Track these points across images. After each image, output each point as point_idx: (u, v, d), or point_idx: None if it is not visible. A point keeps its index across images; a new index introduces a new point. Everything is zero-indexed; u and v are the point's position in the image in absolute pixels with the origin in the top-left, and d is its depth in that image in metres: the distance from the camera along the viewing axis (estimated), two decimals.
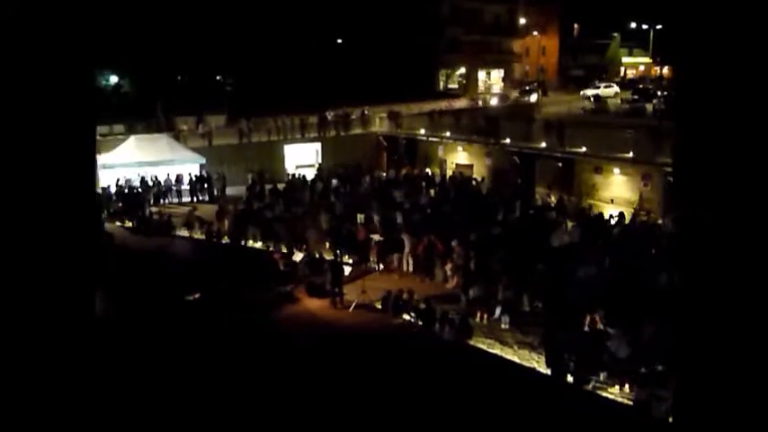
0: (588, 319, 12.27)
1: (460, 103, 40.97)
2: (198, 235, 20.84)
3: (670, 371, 9.11)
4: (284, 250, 18.78)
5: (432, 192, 24.08)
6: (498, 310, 14.12)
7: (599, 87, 49.24)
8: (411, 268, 17.49)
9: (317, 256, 17.24)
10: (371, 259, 18.01)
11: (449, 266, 16.42)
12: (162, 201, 25.19)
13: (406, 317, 14.32)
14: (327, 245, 18.90)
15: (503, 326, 13.79)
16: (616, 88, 49.34)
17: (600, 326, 12.08)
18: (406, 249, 17.58)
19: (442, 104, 37.95)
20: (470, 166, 27.98)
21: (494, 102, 44.26)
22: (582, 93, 48.87)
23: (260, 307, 14.71)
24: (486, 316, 14.11)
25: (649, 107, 38.84)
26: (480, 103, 44.04)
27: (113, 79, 42.57)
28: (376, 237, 17.97)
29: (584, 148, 23.70)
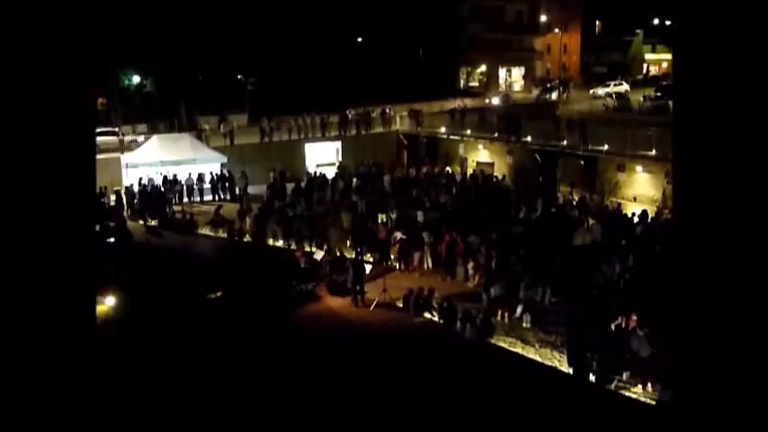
0: (621, 320, 12.20)
1: (472, 102, 40.78)
2: (220, 234, 21.13)
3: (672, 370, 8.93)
4: (306, 249, 18.89)
5: (453, 190, 24.07)
6: (520, 309, 14.11)
7: (608, 86, 48.72)
8: (432, 267, 17.54)
9: (339, 254, 17.35)
10: (392, 258, 18.11)
11: (470, 265, 16.45)
12: (184, 199, 25.53)
13: (427, 315, 14.38)
14: (349, 243, 18.99)
15: (524, 324, 13.78)
16: (626, 86, 48.84)
17: (634, 327, 11.94)
18: (427, 248, 17.64)
19: (456, 103, 37.79)
20: (491, 165, 27.91)
21: (495, 101, 44.04)
22: (591, 92, 48.50)
23: (281, 305, 14.87)
24: (507, 314, 14.12)
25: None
26: (487, 101, 43.85)
27: (136, 79, 43.10)
28: (397, 235, 18.05)
29: (606, 146, 23.48)
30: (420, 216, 20.07)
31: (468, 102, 40.17)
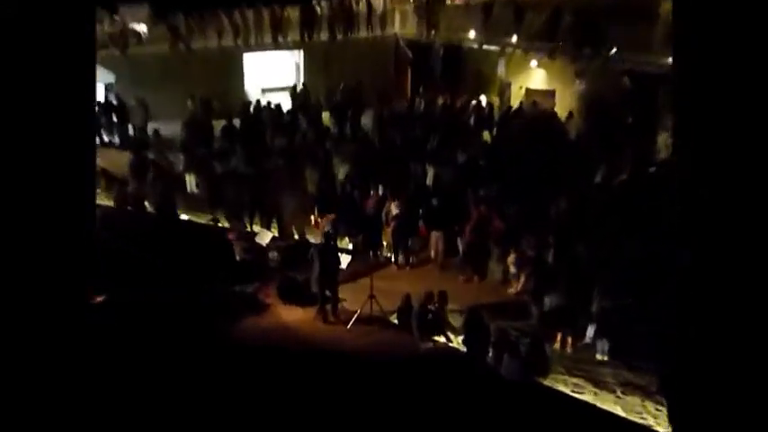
0: None
1: None
2: (104, 200, 20.95)
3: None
4: (244, 228, 18.93)
5: (486, 135, 23.97)
6: (592, 331, 14.16)
7: None
8: (447, 260, 17.75)
9: (298, 237, 17.34)
10: (384, 245, 18.20)
11: (511, 258, 16.45)
12: None
13: (440, 339, 14.42)
14: (314, 220, 19.09)
15: (599, 356, 13.90)
16: None
17: None
18: (440, 230, 17.77)
19: None
20: (551, 94, 27.90)
21: None
22: None
23: (201, 319, 14.83)
24: (571, 340, 14.22)
25: None
26: None
27: None
28: (392, 209, 18.07)
29: None
30: (431, 177, 20.02)
31: None
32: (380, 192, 19.29)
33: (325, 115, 27.20)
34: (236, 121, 25.33)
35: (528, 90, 28.61)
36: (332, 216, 18.27)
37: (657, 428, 11.91)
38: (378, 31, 32.67)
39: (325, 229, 17.41)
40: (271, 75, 30.85)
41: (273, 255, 17.27)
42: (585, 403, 12.65)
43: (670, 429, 11.62)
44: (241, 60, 30.34)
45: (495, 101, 28.47)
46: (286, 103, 27.42)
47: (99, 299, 15.36)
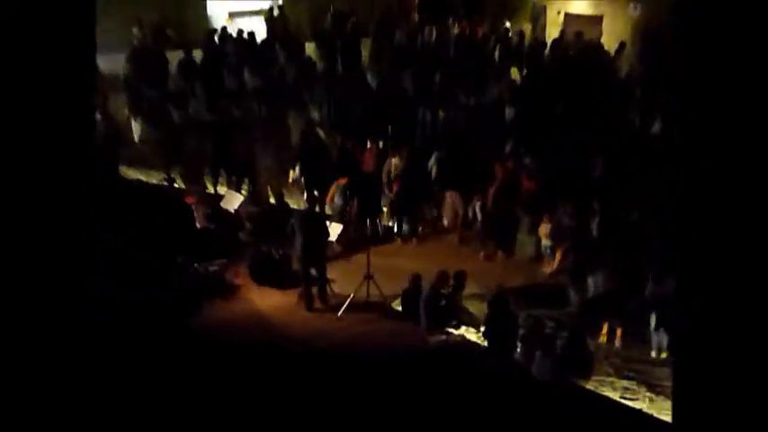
0: None
1: None
2: None
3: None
4: (208, 188, 19.13)
5: (514, 73, 23.77)
6: (652, 322, 14.06)
7: None
8: (463, 230, 17.86)
9: (276, 201, 17.41)
10: (384, 212, 18.28)
11: (544, 228, 16.48)
12: None
13: (454, 331, 14.45)
14: (292, 178, 19.23)
15: (654, 353, 13.95)
16: None
17: None
18: (454, 192, 17.82)
19: None
20: (597, 20, 27.79)
21: None
22: None
23: (155, 307, 14.73)
24: (620, 333, 14.22)
25: None
26: None
27: None
28: (394, 165, 18.13)
29: None
30: (443, 125, 20.23)
31: None
32: (380, 144, 19.19)
33: (310, 47, 26.93)
34: (197, 54, 24.93)
35: (568, 16, 28.53)
36: (344, 180, 18.18)
37: None
38: None
39: (336, 201, 17.34)
40: None
41: (246, 223, 17.31)
42: (639, 412, 12.60)
43: None
44: None
45: (527, 29, 28.32)
46: (260, 32, 27.13)
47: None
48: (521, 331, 13.69)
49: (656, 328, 13.92)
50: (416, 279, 14.82)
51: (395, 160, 18.12)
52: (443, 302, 14.46)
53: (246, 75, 23.86)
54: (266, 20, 28.56)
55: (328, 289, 15.44)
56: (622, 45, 25.40)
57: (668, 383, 12.98)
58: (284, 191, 18.06)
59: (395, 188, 17.93)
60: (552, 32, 27.52)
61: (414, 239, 17.96)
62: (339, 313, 14.97)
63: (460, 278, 14.64)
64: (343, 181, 18.04)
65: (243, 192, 19.02)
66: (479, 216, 17.57)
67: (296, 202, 18.01)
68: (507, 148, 18.33)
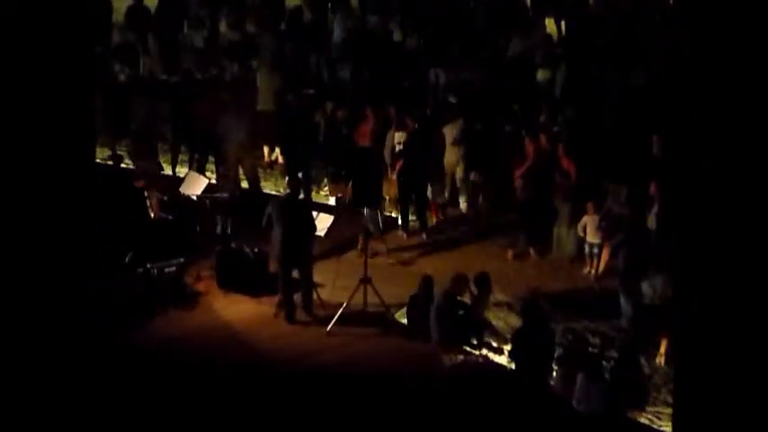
0: None
1: None
2: None
3: None
4: (163, 169, 19.37)
5: (550, 25, 23.85)
6: None
7: None
8: (484, 219, 17.97)
9: (247, 185, 17.48)
10: (387, 199, 18.36)
11: (588, 220, 16.49)
12: None
13: (474, 350, 14.52)
14: (271, 155, 19.57)
15: None
16: None
17: None
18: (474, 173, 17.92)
19: None
20: None
21: None
22: None
23: (94, 316, 14.70)
24: None
25: None
26: None
27: None
28: (397, 140, 18.25)
29: None
30: (453, 95, 20.12)
31: None
32: (380, 114, 19.29)
33: None
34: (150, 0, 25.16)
35: None
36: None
37: None
38: None
39: (344, 197, 17.49)
40: None
41: (211, 212, 17.22)
42: None
43: None
44: None
45: None
46: None
47: None
48: (558, 350, 13.77)
49: None
50: (427, 283, 14.83)
51: (398, 134, 18.22)
52: (461, 313, 14.46)
53: (211, 25, 23.86)
54: None
55: (315, 296, 15.41)
56: None
57: None
58: (259, 172, 18.06)
59: (398, 167, 18.00)
60: None
61: (424, 234, 17.98)
62: (329, 327, 14.96)
63: (483, 282, 14.69)
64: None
65: (207, 173, 18.98)
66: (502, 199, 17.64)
67: (273, 186, 17.95)
68: (541, 119, 18.40)
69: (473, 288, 14.63)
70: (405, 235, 18.04)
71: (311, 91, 20.92)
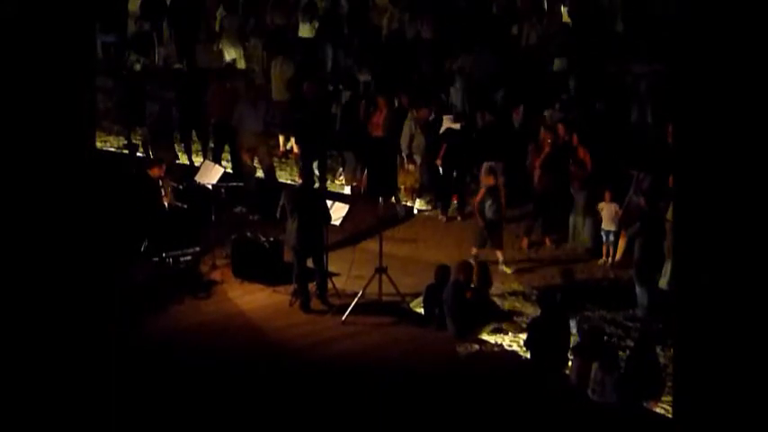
0: None
1: None
2: None
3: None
4: (178, 158, 19.43)
5: (563, 12, 23.71)
6: None
7: None
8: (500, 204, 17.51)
9: (263, 174, 17.46)
10: (402, 188, 18.30)
11: (606, 207, 16.44)
12: None
13: (490, 338, 14.50)
14: (286, 144, 19.60)
15: None
16: None
17: None
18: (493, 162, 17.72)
19: None
20: None
21: None
22: None
23: (108, 306, 14.67)
24: None
25: None
26: None
27: None
28: (415, 115, 18.16)
29: None
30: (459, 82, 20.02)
31: None
32: (394, 102, 19.25)
33: None
34: None
35: None
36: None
37: None
38: None
39: (359, 187, 17.39)
40: None
41: (225, 201, 17.08)
42: None
43: None
44: None
45: None
46: None
47: None
48: (574, 340, 13.73)
49: None
50: (443, 272, 14.79)
51: (420, 112, 18.25)
52: (474, 301, 14.54)
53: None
54: None
55: (330, 285, 15.40)
56: None
57: None
58: (272, 160, 18.02)
59: (442, 151, 17.96)
60: None
61: (444, 217, 18.08)
62: (344, 317, 14.96)
63: (483, 272, 14.81)
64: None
65: (223, 162, 18.96)
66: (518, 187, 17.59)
67: (289, 176, 17.92)
68: (556, 106, 18.33)
69: (485, 278, 14.73)
70: (444, 218, 18.09)
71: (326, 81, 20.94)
